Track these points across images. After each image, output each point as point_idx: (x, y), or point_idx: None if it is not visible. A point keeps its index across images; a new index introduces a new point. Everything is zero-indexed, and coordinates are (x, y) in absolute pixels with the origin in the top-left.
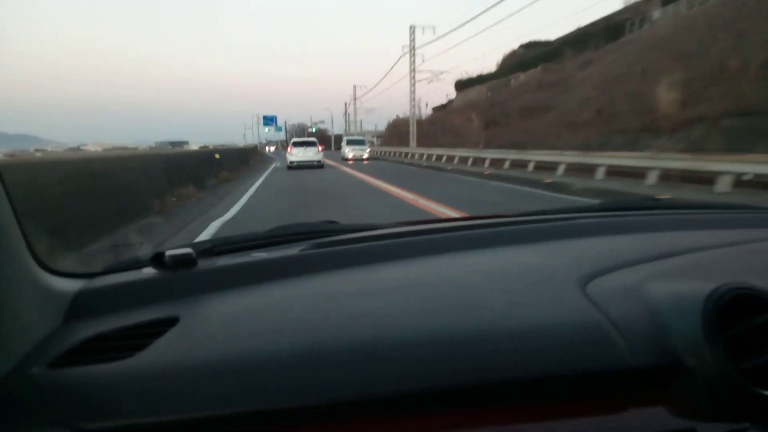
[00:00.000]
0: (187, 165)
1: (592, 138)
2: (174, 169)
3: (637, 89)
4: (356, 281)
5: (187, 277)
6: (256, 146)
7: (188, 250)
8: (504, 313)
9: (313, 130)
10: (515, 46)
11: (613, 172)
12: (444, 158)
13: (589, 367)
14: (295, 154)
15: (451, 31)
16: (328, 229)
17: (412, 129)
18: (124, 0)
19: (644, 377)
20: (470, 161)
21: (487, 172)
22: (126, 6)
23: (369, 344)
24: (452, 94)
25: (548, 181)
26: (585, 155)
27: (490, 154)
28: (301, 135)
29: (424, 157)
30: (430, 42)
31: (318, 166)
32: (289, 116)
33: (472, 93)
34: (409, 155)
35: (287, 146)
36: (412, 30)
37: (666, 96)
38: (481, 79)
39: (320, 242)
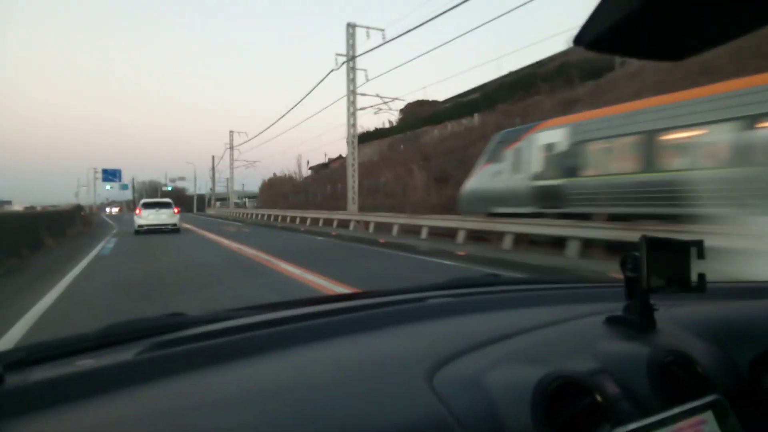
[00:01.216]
0: None
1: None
2: None
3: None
4: (200, 389)
5: None
6: (78, 208)
7: None
8: (360, 415)
9: (169, 188)
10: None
11: (433, 232)
12: (307, 220)
13: None
14: (145, 217)
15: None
16: (172, 323)
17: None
18: None
19: None
20: (321, 222)
21: (334, 233)
22: None
23: None
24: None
25: (383, 240)
26: (412, 217)
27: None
28: (153, 194)
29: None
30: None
31: (173, 230)
32: (138, 172)
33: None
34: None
35: (137, 208)
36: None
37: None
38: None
39: (161, 341)
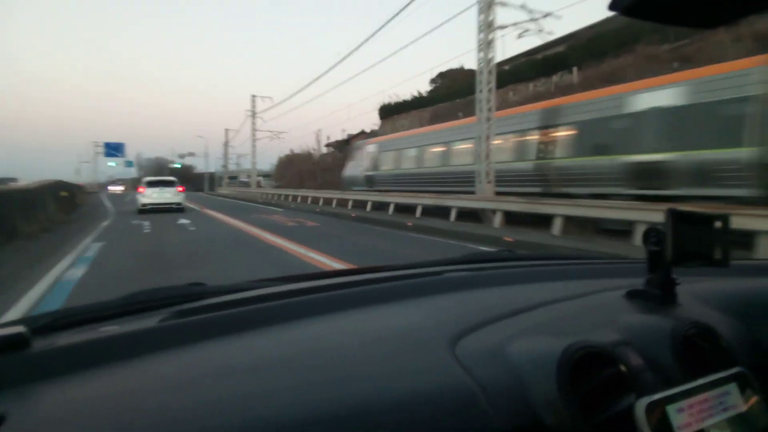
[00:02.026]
0: None
1: None
2: None
3: None
4: (223, 356)
5: (17, 362)
6: (58, 185)
7: (20, 327)
8: (382, 383)
9: (177, 165)
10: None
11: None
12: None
13: None
14: (149, 195)
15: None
16: (193, 293)
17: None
18: None
19: None
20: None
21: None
22: None
23: None
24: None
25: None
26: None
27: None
28: (160, 172)
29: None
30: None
31: (177, 209)
32: (144, 149)
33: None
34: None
35: (140, 186)
36: None
37: None
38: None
39: (183, 309)
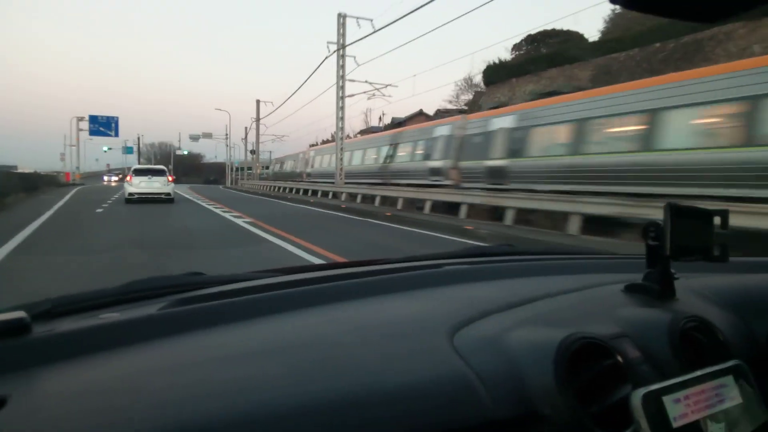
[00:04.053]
0: None
1: None
2: None
3: None
4: (221, 344)
5: (18, 346)
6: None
7: (20, 313)
8: (380, 373)
9: (185, 152)
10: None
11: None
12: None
13: (458, 423)
14: (137, 185)
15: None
16: (192, 282)
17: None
18: None
19: (505, 428)
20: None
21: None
22: None
23: (236, 422)
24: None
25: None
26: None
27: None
28: (165, 159)
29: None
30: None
31: (167, 199)
32: (148, 133)
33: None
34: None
35: (128, 175)
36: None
37: None
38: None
39: (183, 298)
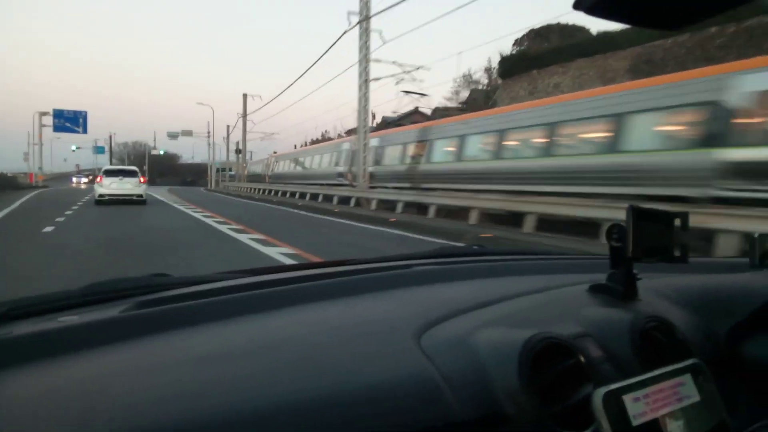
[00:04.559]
0: None
1: None
2: None
3: None
4: (188, 347)
5: None
6: None
7: None
8: (348, 374)
9: (161, 152)
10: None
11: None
12: None
13: (423, 425)
14: (107, 186)
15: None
16: (156, 283)
17: None
18: None
19: (470, 428)
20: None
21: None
22: None
23: (200, 424)
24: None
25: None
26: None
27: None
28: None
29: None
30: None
31: (138, 201)
32: (122, 133)
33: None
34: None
35: (98, 176)
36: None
37: None
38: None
39: (147, 300)
